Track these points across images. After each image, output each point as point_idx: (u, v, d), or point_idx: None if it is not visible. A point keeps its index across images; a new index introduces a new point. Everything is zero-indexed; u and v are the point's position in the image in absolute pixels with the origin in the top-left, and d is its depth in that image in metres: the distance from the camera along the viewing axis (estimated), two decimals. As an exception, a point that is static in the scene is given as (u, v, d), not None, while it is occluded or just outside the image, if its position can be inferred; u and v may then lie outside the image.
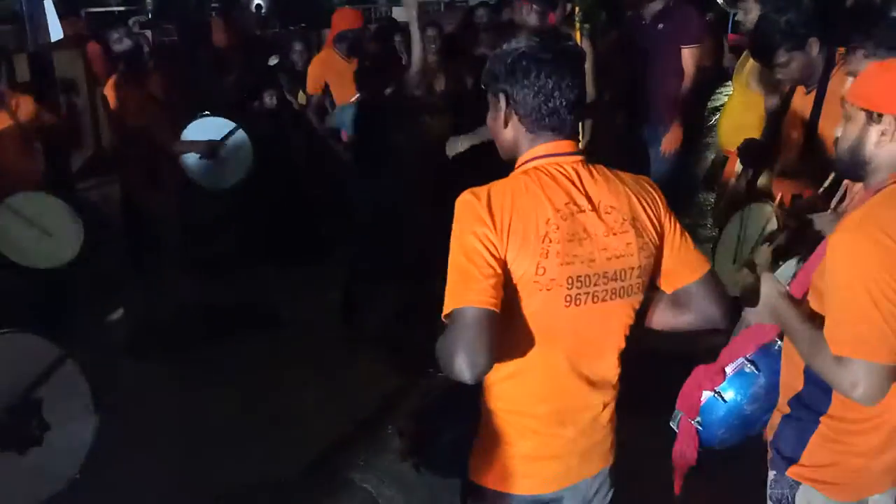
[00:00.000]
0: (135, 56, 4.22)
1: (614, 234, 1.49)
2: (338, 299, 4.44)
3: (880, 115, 1.57)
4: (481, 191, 1.48)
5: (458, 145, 3.71)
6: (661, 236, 1.56)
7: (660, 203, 1.58)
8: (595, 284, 1.48)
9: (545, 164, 1.52)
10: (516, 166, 1.56)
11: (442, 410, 1.74)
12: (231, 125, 4.46)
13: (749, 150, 3.19)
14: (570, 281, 1.46)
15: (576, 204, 1.48)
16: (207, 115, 4.74)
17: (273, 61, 6.17)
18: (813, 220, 2.19)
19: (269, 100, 5.15)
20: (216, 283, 4.98)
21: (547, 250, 1.43)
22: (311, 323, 4.53)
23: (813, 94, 2.80)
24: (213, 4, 7.21)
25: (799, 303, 1.67)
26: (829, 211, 2.15)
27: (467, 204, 1.46)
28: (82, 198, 4.54)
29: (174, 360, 4.00)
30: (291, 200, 5.42)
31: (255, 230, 5.46)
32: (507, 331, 1.45)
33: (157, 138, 4.24)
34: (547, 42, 1.51)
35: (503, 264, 1.43)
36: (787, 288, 1.72)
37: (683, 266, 1.58)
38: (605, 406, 1.62)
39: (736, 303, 1.74)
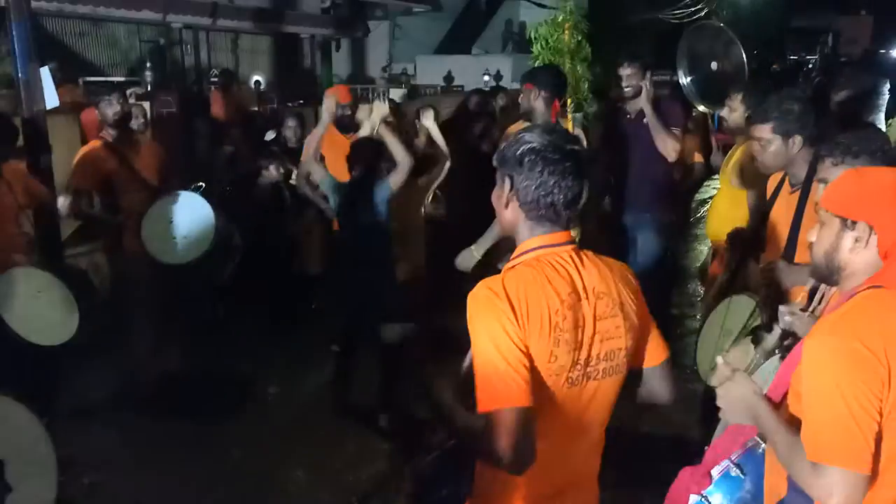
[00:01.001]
0: (119, 124, 4.18)
1: (606, 318, 1.62)
2: (326, 372, 4.38)
3: (854, 222, 1.59)
4: (496, 284, 1.55)
5: (471, 257, 3.35)
6: (637, 320, 1.69)
7: (638, 290, 1.71)
8: (591, 365, 1.60)
9: (544, 255, 1.62)
10: (515, 255, 1.67)
11: (442, 466, 1.77)
12: (200, 210, 4.15)
13: (737, 240, 3.22)
14: (573, 364, 1.58)
15: (576, 292, 1.59)
16: (201, 186, 4.79)
17: (270, 136, 6.27)
18: (792, 320, 2.18)
19: (266, 172, 5.23)
20: (203, 352, 4.90)
21: (558, 339, 1.54)
22: (300, 396, 4.45)
23: (797, 194, 2.84)
24: (213, 79, 7.37)
25: (777, 405, 1.65)
26: (807, 312, 2.14)
27: (487, 299, 1.53)
28: (71, 266, 4.50)
29: (158, 431, 3.89)
30: (282, 271, 5.40)
31: (244, 300, 5.41)
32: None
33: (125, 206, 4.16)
34: (557, 141, 1.61)
35: (528, 355, 1.51)
36: (764, 389, 1.71)
37: (647, 351, 1.74)
38: (592, 474, 1.74)
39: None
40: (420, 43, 17.89)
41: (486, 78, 14.74)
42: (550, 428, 1.58)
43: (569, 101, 5.11)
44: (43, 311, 3.46)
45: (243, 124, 5.38)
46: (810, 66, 23.39)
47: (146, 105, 5.98)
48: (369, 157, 3.98)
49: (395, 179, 3.93)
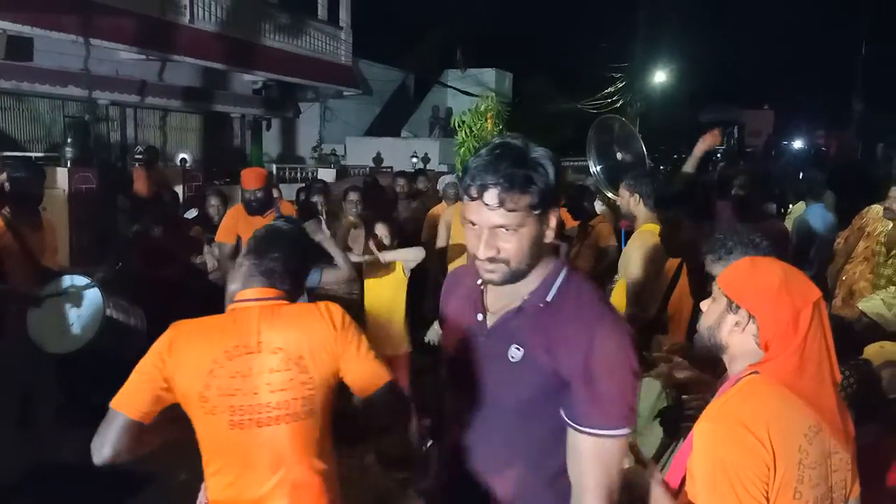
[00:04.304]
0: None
1: (278, 371, 1.83)
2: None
3: (738, 307, 1.65)
4: (179, 326, 1.87)
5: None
6: (338, 357, 1.88)
7: (338, 333, 1.89)
8: (259, 412, 1.82)
9: (238, 307, 1.91)
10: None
11: None
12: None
13: (632, 324, 3.31)
14: (232, 409, 1.81)
15: (245, 346, 1.84)
16: (118, 265, 4.71)
17: (191, 214, 6.22)
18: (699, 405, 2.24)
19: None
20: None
21: (209, 383, 1.80)
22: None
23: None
24: (137, 155, 7.31)
25: (676, 491, 1.68)
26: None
27: (164, 334, 1.86)
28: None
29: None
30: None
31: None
32: (200, 438, 1.87)
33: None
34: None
35: (168, 388, 1.81)
36: (663, 475, 1.73)
37: (366, 379, 1.91)
38: None
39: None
40: (350, 125, 18.26)
41: (414, 160, 15.10)
42: (228, 465, 1.85)
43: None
44: None
45: (155, 202, 5.29)
46: (718, 155, 24.94)
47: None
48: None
49: (328, 279, 4.02)
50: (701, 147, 4.04)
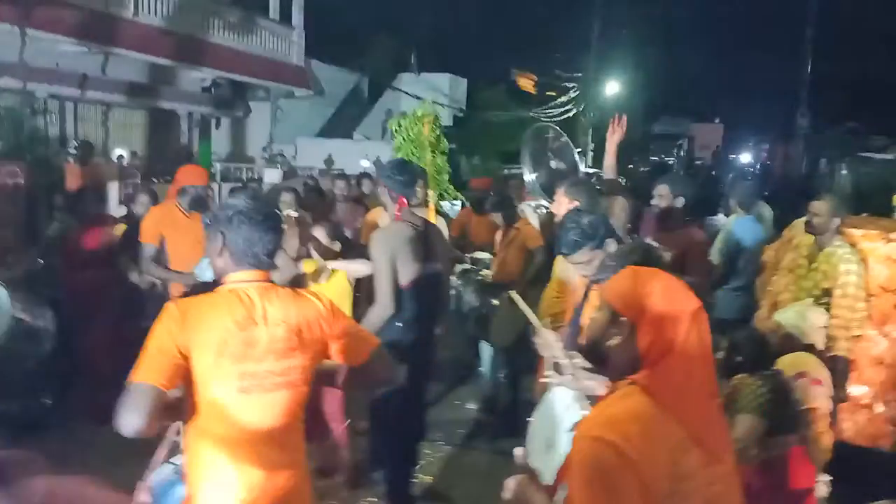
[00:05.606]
0: None
1: (281, 341, 2.00)
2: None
3: (619, 316, 1.64)
4: (184, 301, 2.00)
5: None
6: (329, 336, 2.08)
7: (327, 312, 2.09)
8: (264, 378, 1.97)
9: (237, 287, 2.03)
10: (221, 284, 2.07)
11: None
12: None
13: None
14: (241, 375, 1.95)
15: (252, 318, 1.98)
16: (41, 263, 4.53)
17: (121, 212, 6.05)
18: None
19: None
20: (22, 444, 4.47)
21: (223, 351, 1.92)
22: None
23: None
24: (72, 151, 7.09)
25: (553, 490, 1.66)
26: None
27: (169, 310, 1.94)
28: None
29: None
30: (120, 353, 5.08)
31: (76, 387, 5.04)
32: (201, 405, 1.94)
33: None
34: (259, 205, 2.06)
35: (184, 357, 1.90)
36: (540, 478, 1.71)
37: (356, 348, 2.15)
38: (291, 477, 2.03)
39: None
40: (302, 125, 18.05)
41: (366, 163, 14.99)
42: (233, 428, 1.94)
43: (430, 191, 5.20)
44: None
45: (78, 199, 5.11)
46: (669, 166, 25.41)
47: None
48: None
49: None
50: (612, 139, 4.31)
